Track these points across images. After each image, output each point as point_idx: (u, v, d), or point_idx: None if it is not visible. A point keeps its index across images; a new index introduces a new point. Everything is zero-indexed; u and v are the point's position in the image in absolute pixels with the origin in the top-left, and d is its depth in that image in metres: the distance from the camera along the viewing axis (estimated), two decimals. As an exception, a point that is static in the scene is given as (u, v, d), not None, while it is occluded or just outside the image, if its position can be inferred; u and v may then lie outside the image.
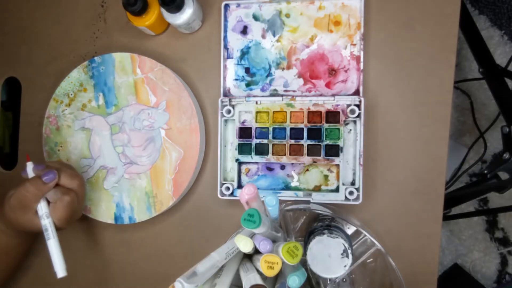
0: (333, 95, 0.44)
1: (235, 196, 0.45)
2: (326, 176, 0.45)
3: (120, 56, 0.47)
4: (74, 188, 0.42)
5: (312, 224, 0.44)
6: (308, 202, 0.44)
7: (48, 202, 0.41)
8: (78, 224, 0.51)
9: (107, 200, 0.48)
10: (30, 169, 0.42)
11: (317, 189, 0.45)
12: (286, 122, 0.45)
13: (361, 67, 0.44)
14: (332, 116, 0.44)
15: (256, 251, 0.32)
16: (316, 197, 0.44)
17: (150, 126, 0.47)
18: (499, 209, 0.95)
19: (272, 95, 0.47)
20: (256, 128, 0.45)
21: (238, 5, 0.47)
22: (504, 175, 0.65)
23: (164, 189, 0.46)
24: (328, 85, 0.46)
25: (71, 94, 0.48)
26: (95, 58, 0.48)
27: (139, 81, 0.47)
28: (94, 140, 0.48)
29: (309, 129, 0.44)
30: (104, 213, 0.48)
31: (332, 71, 0.45)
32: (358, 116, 0.43)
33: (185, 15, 0.44)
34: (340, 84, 0.45)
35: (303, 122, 0.44)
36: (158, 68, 0.46)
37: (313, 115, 0.44)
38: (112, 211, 0.48)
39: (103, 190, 0.48)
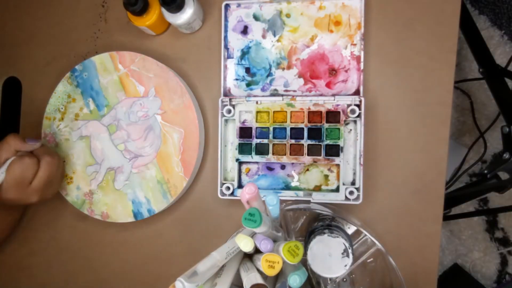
0: (334, 95, 0.44)
1: (235, 196, 0.46)
2: (326, 176, 0.45)
3: (100, 58, 0.48)
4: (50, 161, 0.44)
5: (312, 224, 0.44)
6: (308, 202, 0.44)
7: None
8: (78, 224, 0.51)
9: (122, 200, 0.48)
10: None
11: (318, 189, 0.45)
12: (286, 122, 0.45)
13: (362, 67, 0.44)
14: (333, 116, 0.44)
15: (257, 251, 0.32)
16: (317, 197, 0.44)
17: (145, 115, 0.47)
18: (499, 209, 0.95)
19: (272, 95, 0.47)
20: (257, 128, 0.45)
21: (239, 5, 0.47)
22: (504, 175, 0.65)
23: (175, 172, 0.46)
24: (328, 85, 0.46)
25: (62, 108, 0.49)
26: (76, 67, 0.48)
27: (123, 76, 0.47)
28: (94, 146, 0.48)
29: (309, 129, 0.44)
30: (122, 213, 0.48)
31: (333, 71, 0.45)
32: (359, 116, 0.43)
33: (186, 15, 0.44)
34: (340, 84, 0.45)
35: (303, 122, 0.44)
36: (138, 58, 0.47)
37: (313, 115, 0.44)
38: (130, 209, 0.47)
39: (116, 191, 0.48)
